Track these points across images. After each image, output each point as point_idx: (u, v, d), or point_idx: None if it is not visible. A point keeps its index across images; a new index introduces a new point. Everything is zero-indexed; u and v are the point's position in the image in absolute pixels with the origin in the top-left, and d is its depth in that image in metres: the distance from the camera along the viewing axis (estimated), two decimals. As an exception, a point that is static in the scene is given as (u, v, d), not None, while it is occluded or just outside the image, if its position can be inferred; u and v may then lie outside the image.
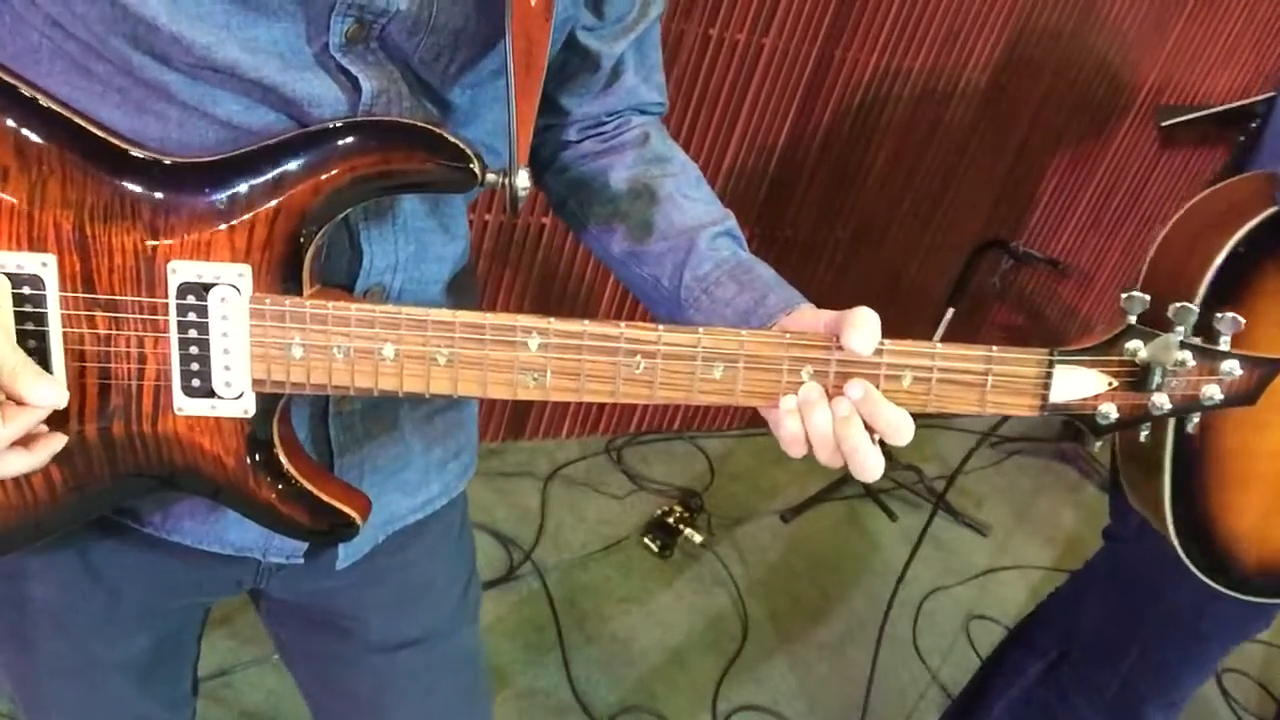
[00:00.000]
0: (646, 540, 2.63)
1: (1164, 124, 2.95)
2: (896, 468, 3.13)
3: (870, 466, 0.71)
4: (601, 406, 2.94)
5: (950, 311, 2.91)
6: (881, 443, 0.73)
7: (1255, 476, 1.29)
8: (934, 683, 2.48)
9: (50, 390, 0.65)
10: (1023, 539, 3.12)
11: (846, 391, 0.71)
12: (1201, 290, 1.17)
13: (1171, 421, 1.22)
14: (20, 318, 0.66)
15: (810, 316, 0.77)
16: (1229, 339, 0.74)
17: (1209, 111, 2.81)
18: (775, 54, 2.50)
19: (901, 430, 0.71)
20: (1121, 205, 3.45)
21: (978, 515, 3.14)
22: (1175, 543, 1.30)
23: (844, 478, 3.02)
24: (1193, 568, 1.32)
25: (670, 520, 2.68)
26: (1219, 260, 1.17)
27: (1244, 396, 0.75)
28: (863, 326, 0.69)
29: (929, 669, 2.52)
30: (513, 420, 2.83)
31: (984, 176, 3.08)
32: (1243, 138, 2.75)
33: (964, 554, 2.97)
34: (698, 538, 2.66)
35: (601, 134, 0.92)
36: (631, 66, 0.89)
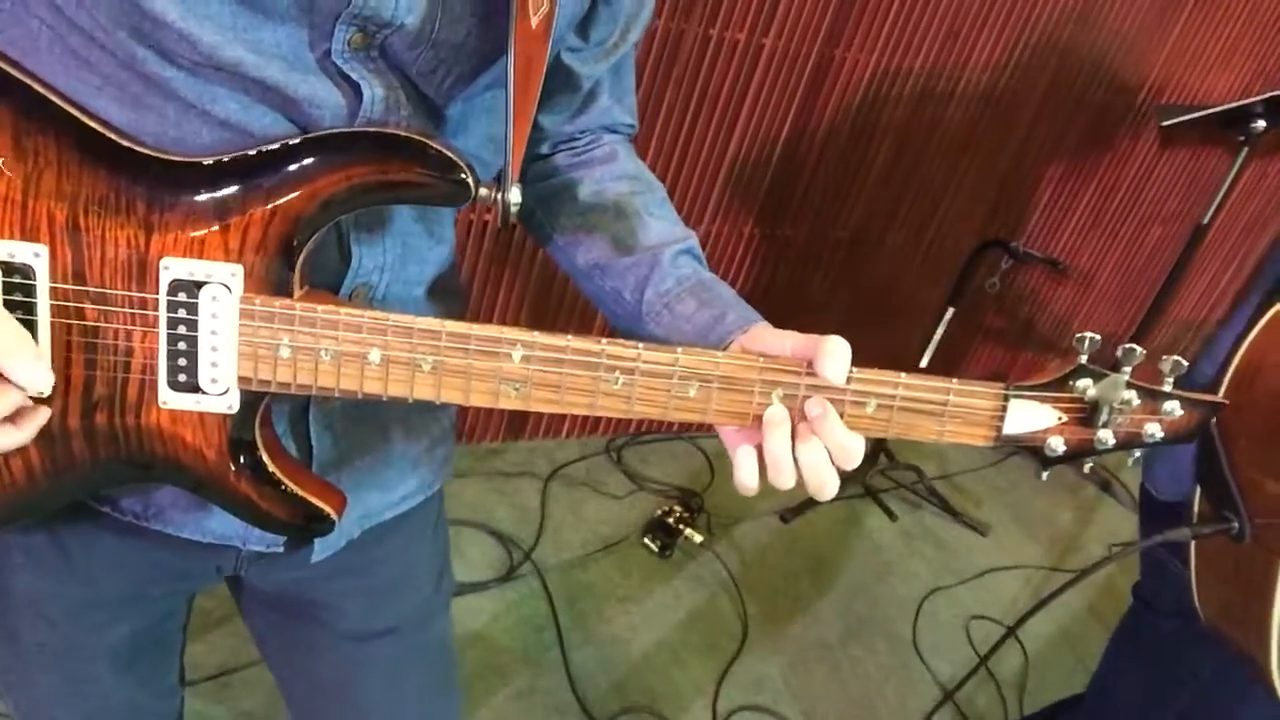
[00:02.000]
0: (646, 540, 2.64)
1: (1164, 124, 2.93)
2: (897, 467, 3.13)
3: (826, 486, 0.76)
4: (601, 407, 2.94)
5: (950, 311, 2.91)
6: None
7: None
8: (934, 682, 2.48)
9: (40, 373, 0.66)
10: (1023, 539, 3.12)
11: (805, 408, 0.74)
12: None
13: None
14: (10, 306, 0.67)
15: (770, 337, 0.79)
16: (1172, 380, 0.78)
17: (1209, 111, 2.80)
18: (775, 54, 2.50)
19: (851, 455, 0.75)
20: (1121, 205, 3.44)
21: (977, 515, 3.13)
22: None
23: (843, 478, 3.01)
24: None
25: (670, 520, 2.68)
26: None
27: (1184, 435, 0.79)
28: (835, 355, 0.72)
29: (929, 668, 2.52)
30: (513, 420, 2.84)
31: (984, 176, 3.08)
32: (1242, 138, 2.75)
33: (964, 554, 2.97)
34: (698, 538, 2.66)
35: (573, 149, 0.94)
36: (607, 88, 0.92)
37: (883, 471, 3.12)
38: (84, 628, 0.94)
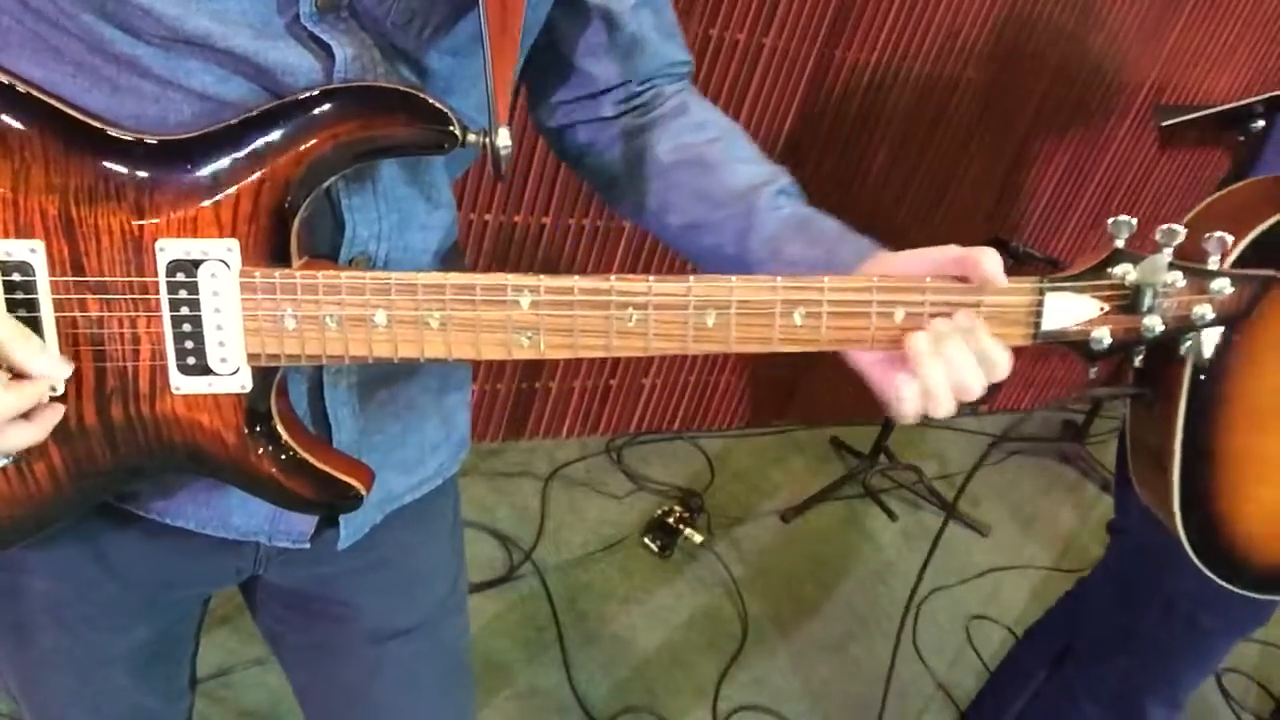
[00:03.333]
0: (646, 540, 2.63)
1: (1164, 124, 2.93)
2: (897, 467, 3.13)
3: (975, 386, 0.72)
4: (601, 406, 2.94)
5: (950, 311, 2.91)
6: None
7: (1266, 479, 1.28)
8: (934, 682, 2.48)
9: (49, 361, 0.65)
10: (1023, 539, 3.11)
11: (955, 320, 0.71)
12: None
13: (1181, 420, 1.22)
14: (11, 305, 0.66)
15: (898, 261, 0.76)
16: (1217, 258, 0.73)
17: (1209, 111, 2.80)
18: (775, 54, 2.50)
19: (999, 366, 0.72)
20: (1121, 205, 3.44)
21: (978, 515, 3.13)
22: (1188, 547, 1.30)
23: (844, 477, 3.03)
24: (1208, 571, 1.31)
25: (670, 520, 2.67)
26: (1231, 259, 1.15)
27: (1236, 315, 0.75)
28: (992, 256, 0.70)
29: (929, 669, 2.51)
30: (513, 420, 2.83)
31: (984, 175, 3.08)
32: (1242, 138, 2.75)
33: (964, 554, 2.97)
34: (698, 538, 2.66)
35: (639, 108, 0.90)
36: (650, 23, 0.88)
37: (883, 471, 3.12)
38: (102, 631, 0.92)
